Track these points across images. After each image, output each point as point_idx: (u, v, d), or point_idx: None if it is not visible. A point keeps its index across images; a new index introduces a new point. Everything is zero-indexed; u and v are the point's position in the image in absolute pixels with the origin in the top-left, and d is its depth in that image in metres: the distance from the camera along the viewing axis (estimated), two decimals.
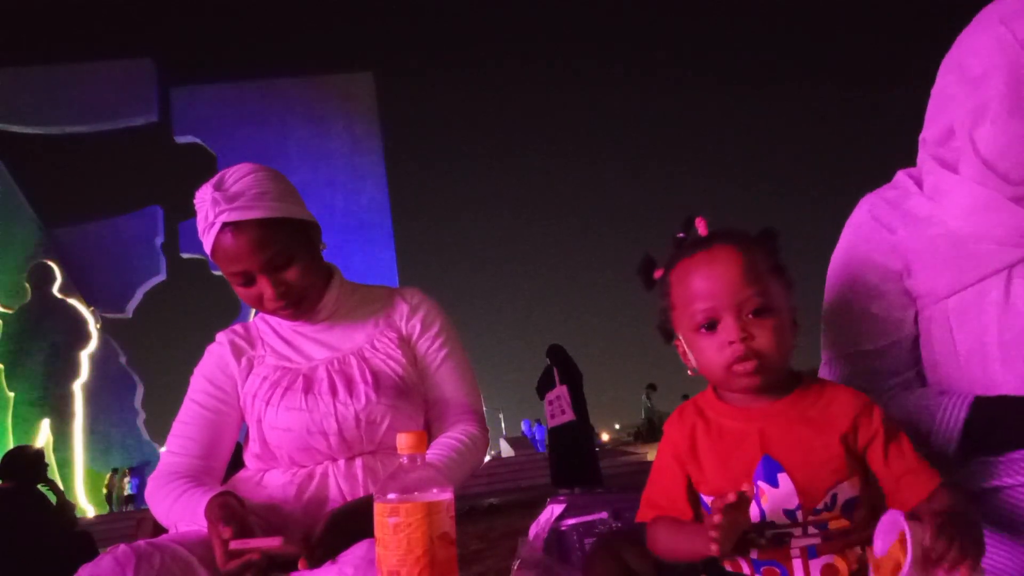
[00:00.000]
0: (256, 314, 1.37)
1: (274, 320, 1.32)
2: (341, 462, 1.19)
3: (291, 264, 1.18)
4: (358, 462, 1.19)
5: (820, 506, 0.79)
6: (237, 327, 1.34)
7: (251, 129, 15.46)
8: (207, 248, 1.17)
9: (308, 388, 1.20)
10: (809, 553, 0.79)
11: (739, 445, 0.84)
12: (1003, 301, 0.93)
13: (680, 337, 0.90)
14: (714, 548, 0.72)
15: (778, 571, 0.80)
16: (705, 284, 0.85)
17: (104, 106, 15.26)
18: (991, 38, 0.93)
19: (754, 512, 0.81)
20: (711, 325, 0.84)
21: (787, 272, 0.89)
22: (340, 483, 1.17)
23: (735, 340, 0.82)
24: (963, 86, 0.96)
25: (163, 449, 1.30)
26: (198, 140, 15.60)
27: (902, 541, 0.69)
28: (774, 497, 0.80)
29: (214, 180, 1.16)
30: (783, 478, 0.80)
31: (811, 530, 0.79)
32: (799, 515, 0.79)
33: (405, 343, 1.29)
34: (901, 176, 1.09)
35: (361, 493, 1.15)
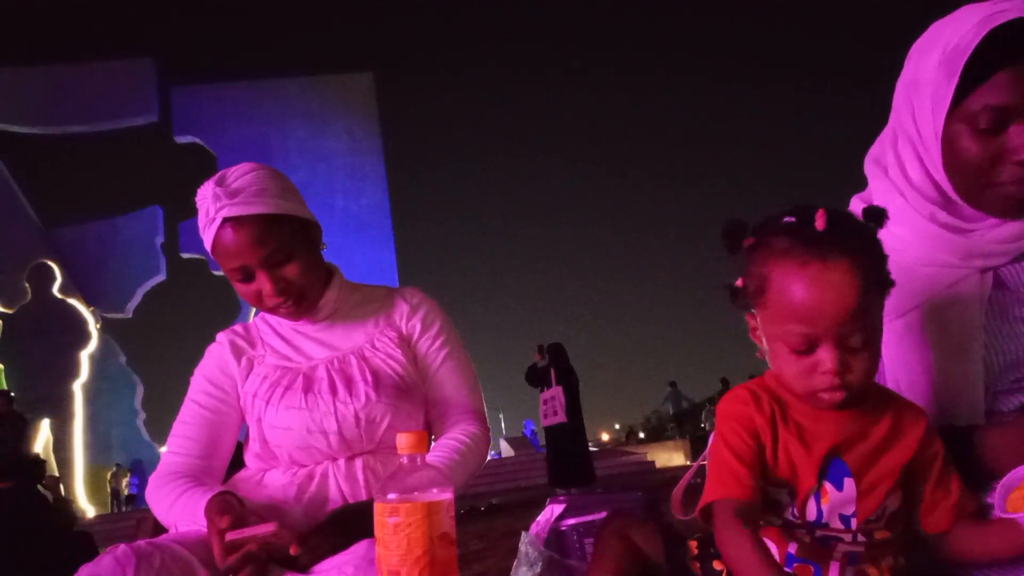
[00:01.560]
0: (256, 314, 1.38)
1: (274, 320, 1.32)
2: (341, 462, 1.19)
3: (290, 260, 1.18)
4: (358, 462, 1.19)
5: (873, 516, 0.80)
6: (237, 327, 1.35)
7: (251, 129, 15.46)
8: (207, 244, 1.17)
9: (308, 387, 1.20)
10: (850, 559, 0.80)
11: (815, 443, 0.81)
12: (943, 321, 0.95)
13: (756, 315, 0.85)
14: None
15: (812, 569, 0.80)
16: (810, 305, 0.77)
17: (104, 106, 15.26)
18: (904, 72, 0.98)
19: (812, 510, 0.81)
20: (808, 349, 0.78)
21: (890, 281, 0.82)
22: (340, 483, 1.17)
23: (829, 371, 0.77)
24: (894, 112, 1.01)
25: (163, 449, 1.31)
26: (198, 140, 15.61)
27: None
28: (835, 499, 0.80)
29: (216, 177, 1.16)
30: (848, 483, 0.80)
31: (859, 538, 0.80)
32: (853, 522, 0.80)
33: (405, 342, 1.29)
34: (854, 202, 1.12)
35: (363, 494, 1.16)
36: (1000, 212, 0.92)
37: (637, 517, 0.94)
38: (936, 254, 0.97)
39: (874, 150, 1.07)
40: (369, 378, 1.21)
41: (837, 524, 0.80)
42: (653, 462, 12.66)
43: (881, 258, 0.82)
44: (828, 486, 0.81)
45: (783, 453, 0.82)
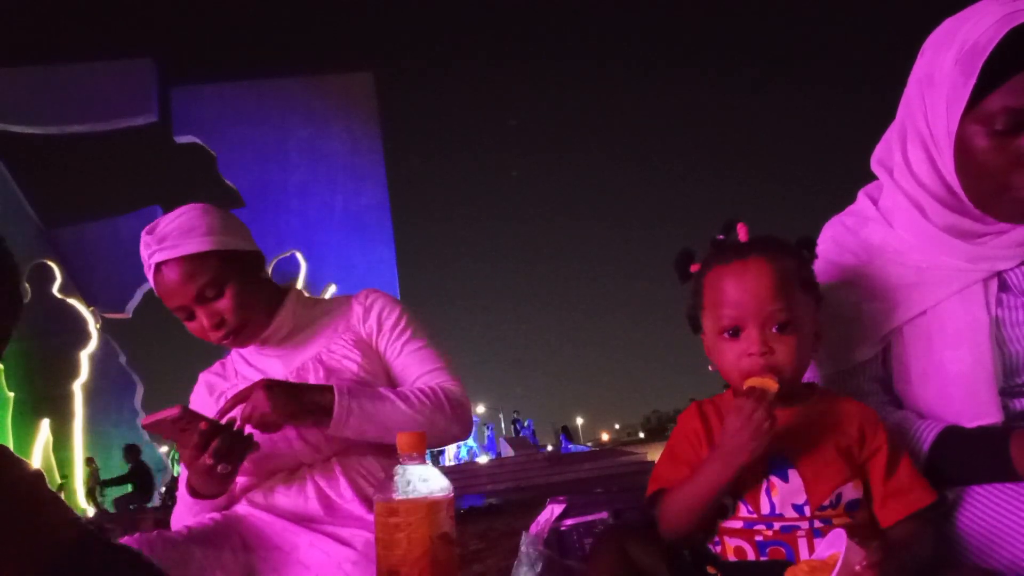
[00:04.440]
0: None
1: (243, 349, 1.37)
2: (317, 467, 1.24)
3: (222, 294, 1.22)
4: (334, 463, 1.24)
5: (826, 503, 0.84)
6: (216, 365, 1.42)
7: (251, 129, 15.43)
8: (155, 291, 1.24)
9: None
10: (814, 535, 0.83)
11: None
12: (946, 326, 0.96)
13: (704, 328, 0.95)
14: (759, 422, 0.77)
15: (783, 550, 0.84)
16: (735, 293, 0.88)
17: (104, 106, 15.24)
18: (916, 67, 0.96)
19: (765, 504, 0.85)
20: (735, 332, 0.88)
21: (817, 287, 0.92)
22: (319, 481, 1.21)
23: (755, 353, 0.86)
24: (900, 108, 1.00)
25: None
26: (198, 140, 15.58)
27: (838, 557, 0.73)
28: (784, 491, 0.85)
29: (149, 227, 1.21)
30: (793, 474, 0.85)
31: (816, 524, 0.84)
32: (806, 510, 0.84)
33: (364, 344, 1.33)
34: (861, 197, 1.11)
35: (341, 487, 1.20)
36: (1013, 217, 0.91)
37: (635, 525, 0.95)
38: (943, 257, 0.96)
39: (879, 151, 1.06)
40: (323, 377, 1.25)
41: (791, 514, 0.84)
42: (653, 462, 12.66)
43: (803, 262, 0.91)
44: (774, 479, 0.85)
45: None
